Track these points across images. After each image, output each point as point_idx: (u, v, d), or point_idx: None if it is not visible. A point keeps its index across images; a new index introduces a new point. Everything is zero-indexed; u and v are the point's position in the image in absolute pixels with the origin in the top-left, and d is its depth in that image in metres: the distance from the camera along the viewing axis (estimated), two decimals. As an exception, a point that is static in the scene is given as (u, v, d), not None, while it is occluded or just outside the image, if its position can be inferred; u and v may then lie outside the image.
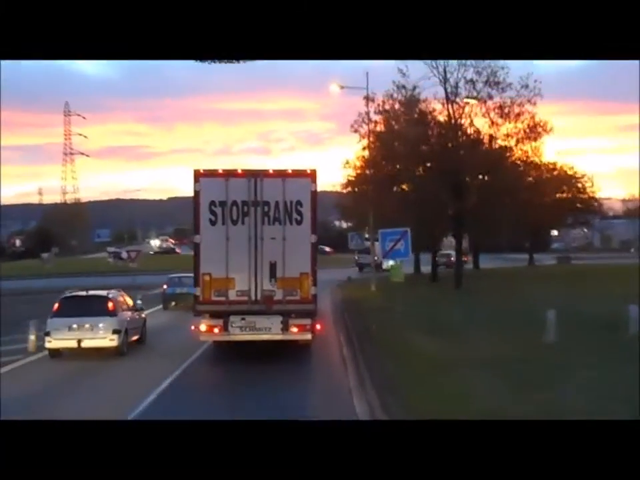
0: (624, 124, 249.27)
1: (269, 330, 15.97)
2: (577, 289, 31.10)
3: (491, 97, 33.16)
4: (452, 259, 45.94)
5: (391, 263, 28.18)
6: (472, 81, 33.13)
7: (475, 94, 33.14)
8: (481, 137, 35.31)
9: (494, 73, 32.70)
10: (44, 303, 22.17)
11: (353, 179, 46.13)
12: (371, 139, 37.81)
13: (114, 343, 17.13)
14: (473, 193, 33.49)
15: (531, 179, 39.58)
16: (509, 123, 34.16)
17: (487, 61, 31.70)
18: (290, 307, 15.96)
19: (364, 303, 27.98)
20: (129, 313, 18.74)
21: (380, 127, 38.48)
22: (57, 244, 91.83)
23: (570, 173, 55.80)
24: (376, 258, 38.02)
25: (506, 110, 33.49)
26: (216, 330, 16.03)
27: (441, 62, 32.28)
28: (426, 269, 48.12)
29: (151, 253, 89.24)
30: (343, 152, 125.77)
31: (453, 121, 34.40)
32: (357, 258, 55.17)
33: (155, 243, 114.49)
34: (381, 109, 36.59)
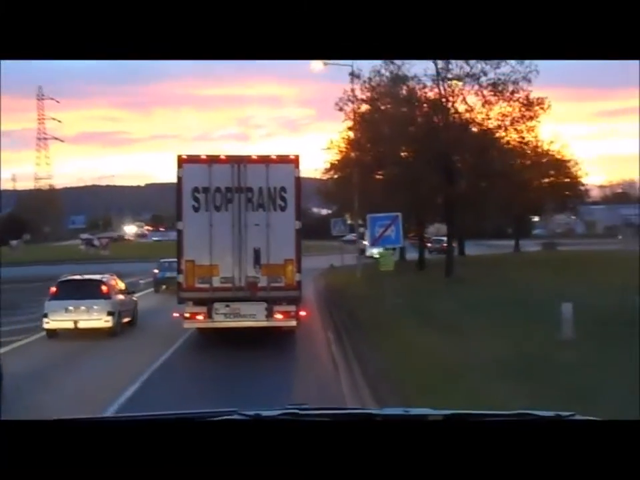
0: (602, 110, 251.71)
1: (253, 317, 15.93)
2: (573, 277, 29.30)
3: (485, 73, 31.36)
4: (444, 245, 44.35)
5: (376, 250, 26.61)
6: (464, 57, 31.32)
7: (467, 70, 31.35)
8: (473, 116, 33.50)
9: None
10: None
11: (337, 162, 44.51)
12: (357, 118, 35.99)
13: (108, 324, 18.35)
14: (463, 176, 32.12)
15: (525, 161, 37.85)
16: (503, 101, 32.37)
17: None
18: (274, 294, 15.94)
19: (352, 300, 25.88)
20: (122, 296, 19.92)
21: (366, 107, 36.66)
22: (29, 231, 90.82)
23: (558, 157, 54.53)
24: (365, 243, 36.38)
25: (499, 88, 31.68)
26: (200, 317, 16.03)
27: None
28: (411, 255, 46.59)
29: (127, 238, 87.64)
30: (322, 138, 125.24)
31: (443, 100, 32.60)
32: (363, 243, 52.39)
33: (131, 229, 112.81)
34: (367, 85, 34.76)
